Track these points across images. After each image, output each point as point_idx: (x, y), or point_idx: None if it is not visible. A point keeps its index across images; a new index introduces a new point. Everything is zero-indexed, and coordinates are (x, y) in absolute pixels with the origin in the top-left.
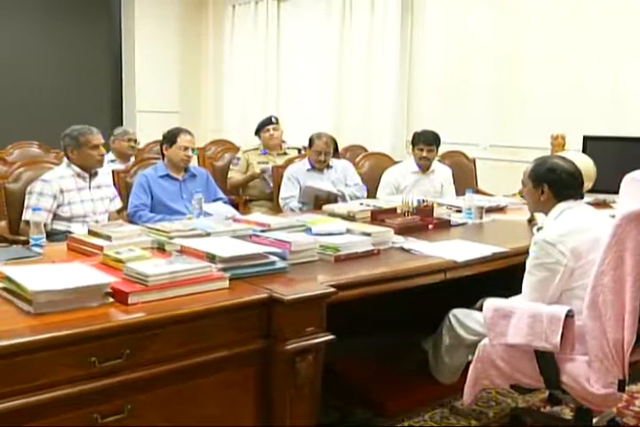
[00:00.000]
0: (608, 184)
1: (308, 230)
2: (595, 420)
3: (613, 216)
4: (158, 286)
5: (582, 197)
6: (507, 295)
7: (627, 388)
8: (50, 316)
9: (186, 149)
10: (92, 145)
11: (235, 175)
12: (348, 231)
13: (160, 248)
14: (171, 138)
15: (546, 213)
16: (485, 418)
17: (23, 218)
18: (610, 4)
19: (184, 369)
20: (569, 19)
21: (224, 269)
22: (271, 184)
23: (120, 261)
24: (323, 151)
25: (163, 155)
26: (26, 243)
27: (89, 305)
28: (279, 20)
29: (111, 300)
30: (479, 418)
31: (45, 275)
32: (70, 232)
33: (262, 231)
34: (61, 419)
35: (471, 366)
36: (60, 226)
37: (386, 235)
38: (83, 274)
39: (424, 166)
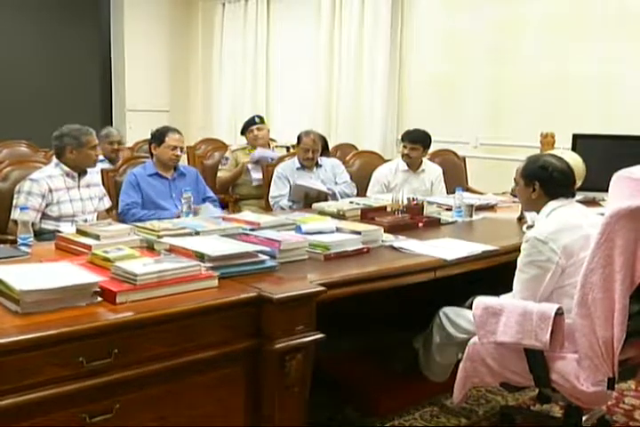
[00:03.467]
0: (598, 182)
1: (298, 229)
2: (584, 418)
3: (603, 214)
4: (146, 285)
5: (574, 196)
6: (497, 293)
7: (616, 386)
8: (37, 315)
9: (174, 148)
10: (92, 145)
11: (223, 175)
12: (338, 230)
13: (149, 247)
14: (159, 137)
15: (537, 211)
16: (475, 416)
17: (11, 217)
18: (601, 4)
19: (173, 368)
20: (559, 18)
21: (213, 268)
22: (255, 176)
23: (108, 260)
24: (310, 149)
25: (151, 154)
26: (14, 242)
27: (77, 305)
28: (269, 18)
29: (99, 299)
30: (469, 416)
31: (33, 274)
32: (59, 231)
33: (252, 230)
34: (49, 419)
35: (461, 365)
36: (49, 225)
37: (376, 233)
38: (71, 273)
39: (410, 164)
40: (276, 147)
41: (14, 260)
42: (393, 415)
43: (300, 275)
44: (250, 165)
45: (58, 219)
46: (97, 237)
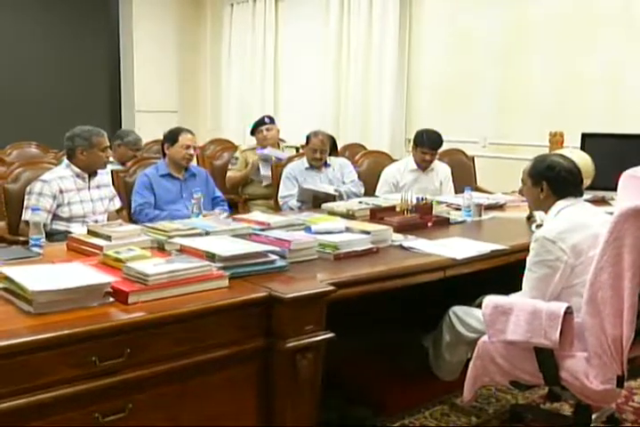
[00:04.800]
0: (606, 181)
1: (308, 229)
2: (594, 416)
3: (611, 213)
4: (158, 286)
5: (582, 195)
6: (506, 293)
7: (625, 384)
8: (50, 316)
9: (187, 147)
10: (103, 147)
11: (233, 175)
12: (348, 230)
13: (159, 248)
14: (172, 137)
15: (545, 211)
16: (485, 415)
17: (22, 218)
18: (606, 4)
19: (184, 368)
20: (566, 19)
21: (224, 268)
22: (263, 173)
23: (120, 260)
24: (318, 149)
25: (164, 154)
26: (25, 243)
27: (89, 305)
28: (277, 18)
29: (111, 299)
30: (479, 415)
31: (45, 275)
32: (70, 232)
33: (262, 230)
34: (63, 418)
35: (471, 364)
36: (60, 226)
37: (385, 233)
38: (83, 274)
39: (423, 166)
40: (286, 147)
41: (26, 261)
42: (403, 414)
43: (310, 275)
44: (261, 163)
45: (68, 220)
46: (108, 238)
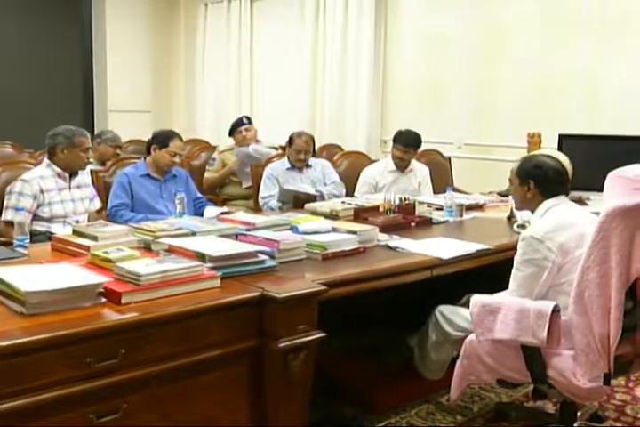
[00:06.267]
0: (583, 182)
1: (295, 229)
2: (577, 414)
3: (598, 213)
4: (151, 286)
5: (568, 195)
6: (490, 292)
7: None
8: (43, 316)
9: (174, 155)
10: (85, 147)
11: (211, 176)
12: (334, 230)
13: (146, 248)
14: (162, 140)
15: (532, 211)
16: (470, 413)
17: (2, 218)
18: (584, 5)
19: (178, 368)
20: (543, 19)
21: (214, 268)
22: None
23: (110, 260)
24: (303, 150)
25: (148, 153)
26: (5, 244)
27: (82, 305)
28: (252, 18)
29: (103, 300)
30: (464, 413)
31: (36, 275)
32: (51, 233)
33: (248, 230)
34: (57, 420)
35: (458, 363)
36: (40, 227)
37: (371, 233)
38: (73, 274)
39: (400, 166)
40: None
41: (12, 261)
42: (389, 413)
43: (299, 274)
44: (251, 149)
45: (49, 220)
46: (94, 238)
